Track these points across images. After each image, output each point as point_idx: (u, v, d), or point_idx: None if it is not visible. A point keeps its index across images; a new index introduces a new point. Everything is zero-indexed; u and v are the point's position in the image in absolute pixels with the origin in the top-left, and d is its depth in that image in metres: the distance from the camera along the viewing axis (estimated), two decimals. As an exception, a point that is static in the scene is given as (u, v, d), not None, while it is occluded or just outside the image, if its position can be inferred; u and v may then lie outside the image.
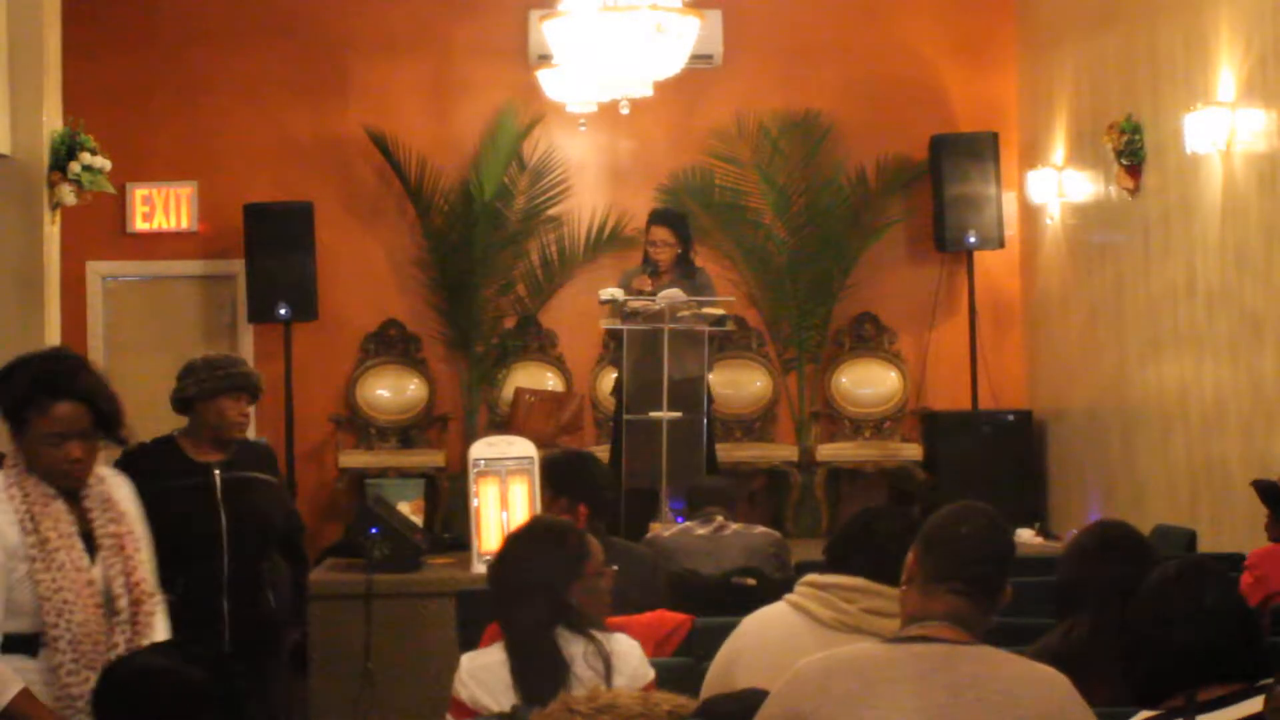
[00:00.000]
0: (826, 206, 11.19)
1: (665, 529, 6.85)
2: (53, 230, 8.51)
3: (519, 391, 10.61)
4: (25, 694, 3.87)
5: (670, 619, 4.88)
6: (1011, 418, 10.86)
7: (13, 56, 8.27)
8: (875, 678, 3.06)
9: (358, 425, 11.05)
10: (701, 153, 11.26)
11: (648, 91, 8.63)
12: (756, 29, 11.30)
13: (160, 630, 4.16)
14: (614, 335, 9.21)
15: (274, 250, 10.57)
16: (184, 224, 11.15)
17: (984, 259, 11.12)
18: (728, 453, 10.66)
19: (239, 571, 5.53)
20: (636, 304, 8.78)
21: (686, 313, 8.78)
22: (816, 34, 11.34)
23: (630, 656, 3.99)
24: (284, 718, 6.22)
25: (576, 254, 11.23)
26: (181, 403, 5.66)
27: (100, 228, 10.81)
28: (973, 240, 10.91)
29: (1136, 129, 8.93)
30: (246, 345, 10.86)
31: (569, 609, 3.99)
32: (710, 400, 9.08)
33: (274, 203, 10.74)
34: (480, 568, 8.19)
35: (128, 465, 4.94)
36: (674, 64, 7.26)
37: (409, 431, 11.03)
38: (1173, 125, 8.41)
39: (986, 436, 10.73)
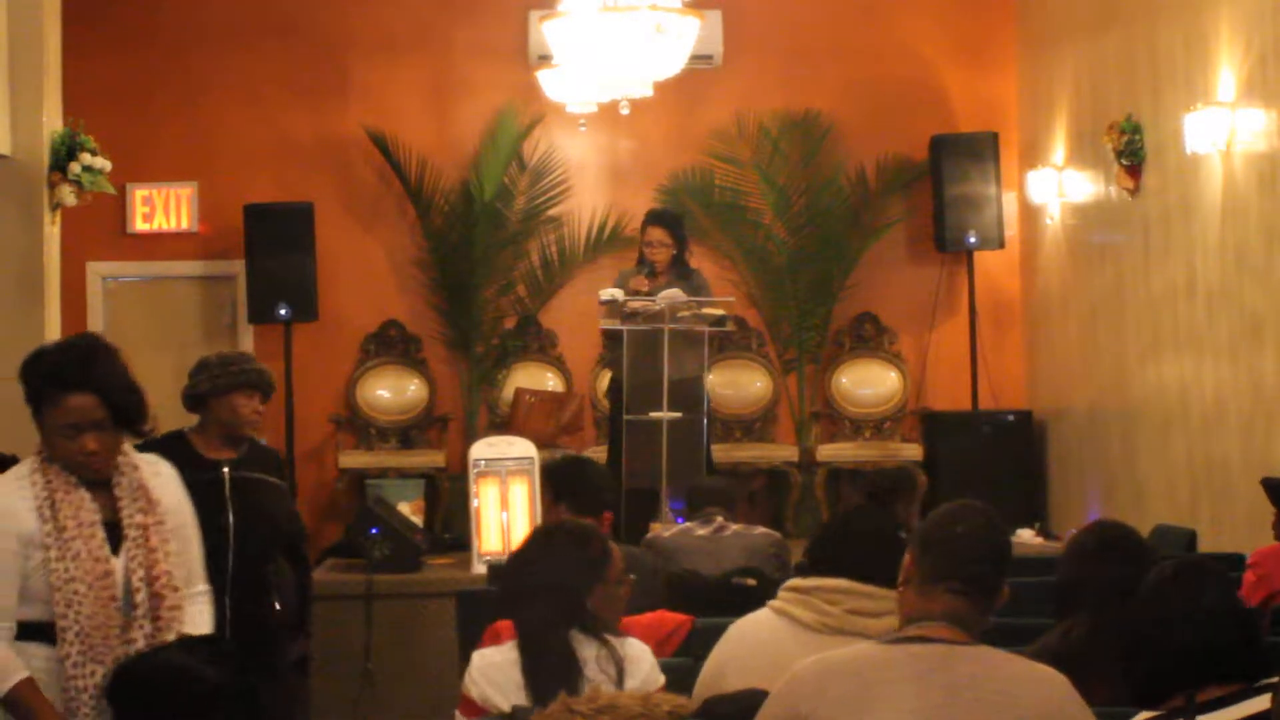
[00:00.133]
0: (826, 206, 11.19)
1: (665, 529, 6.85)
2: (53, 231, 8.51)
3: (519, 392, 10.62)
4: (28, 683, 3.84)
5: (670, 619, 4.88)
6: (1011, 418, 10.86)
7: (13, 56, 8.27)
8: (873, 679, 3.06)
9: (358, 426, 11.05)
10: (701, 153, 11.26)
11: (648, 92, 8.63)
12: (756, 29, 11.30)
13: (194, 623, 4.09)
14: (609, 336, 9.22)
15: (274, 250, 10.57)
16: (184, 224, 11.15)
17: (984, 259, 11.12)
18: (727, 453, 10.67)
19: (243, 570, 5.52)
20: (636, 304, 8.78)
21: (686, 313, 8.79)
22: (816, 34, 11.34)
23: (642, 662, 3.99)
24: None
25: (576, 254, 11.23)
26: (193, 399, 5.65)
27: (100, 228, 10.81)
28: (973, 240, 10.91)
29: (1136, 129, 8.93)
30: (247, 346, 10.85)
31: (584, 612, 3.99)
32: (708, 401, 9.09)
33: (274, 203, 10.74)
34: (480, 568, 8.20)
35: None
36: (674, 64, 7.26)
37: (409, 432, 11.03)
38: (1173, 125, 8.41)
39: (986, 437, 10.73)
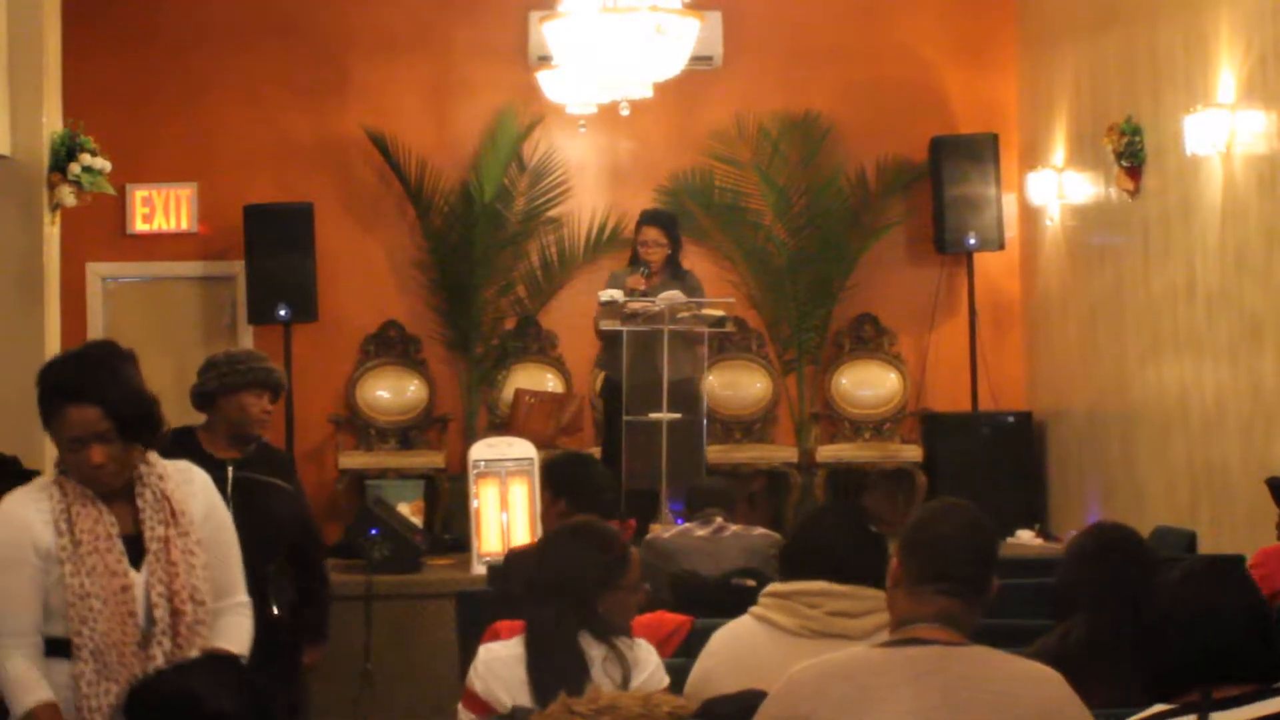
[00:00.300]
0: (826, 208, 11.19)
1: (665, 530, 6.85)
2: (53, 231, 8.51)
3: (519, 393, 10.62)
4: (48, 709, 3.75)
5: (670, 620, 4.88)
6: (1011, 419, 10.86)
7: (13, 57, 8.27)
8: (870, 682, 3.05)
9: (358, 426, 11.04)
10: (701, 154, 11.26)
11: (648, 93, 8.63)
12: (756, 30, 11.30)
13: (228, 636, 3.97)
14: (602, 336, 9.23)
15: (274, 251, 10.57)
16: (184, 225, 11.15)
17: (984, 260, 11.12)
18: (727, 454, 10.68)
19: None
20: (636, 305, 8.79)
21: (686, 314, 8.80)
22: (816, 35, 11.34)
23: (647, 665, 3.98)
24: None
25: (576, 255, 11.23)
26: (202, 397, 5.62)
27: (100, 229, 10.81)
28: (973, 242, 10.92)
29: (1136, 130, 8.93)
30: (246, 346, 10.84)
31: (594, 615, 3.98)
32: (705, 404, 9.10)
33: (274, 203, 10.74)
34: (480, 569, 8.20)
35: None
36: (674, 65, 7.26)
37: (409, 432, 11.03)
38: (1173, 127, 8.41)
39: (986, 438, 10.73)
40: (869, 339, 11.28)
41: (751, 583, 5.77)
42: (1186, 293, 8.48)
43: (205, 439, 5.59)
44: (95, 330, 10.97)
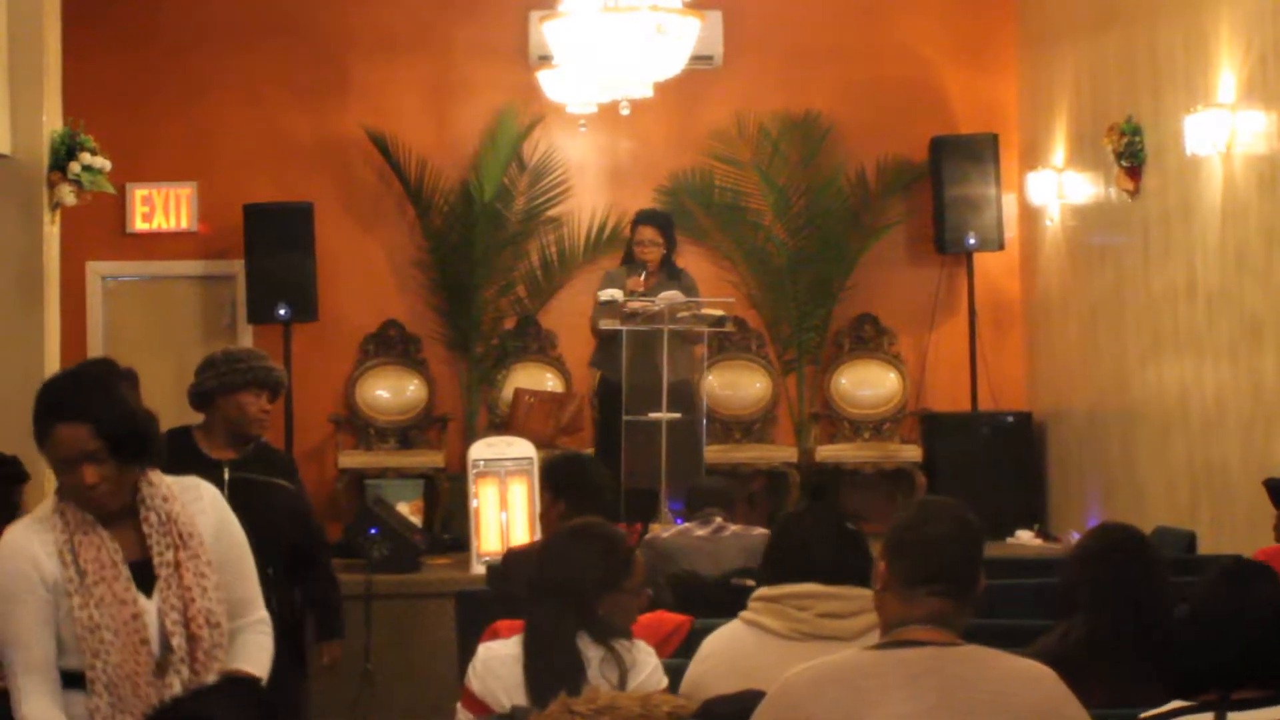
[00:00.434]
0: (826, 208, 11.18)
1: (664, 530, 6.85)
2: (53, 230, 8.51)
3: (518, 392, 10.61)
4: None
5: (669, 620, 4.87)
6: (1011, 419, 10.86)
7: (13, 56, 8.27)
8: (865, 686, 3.04)
9: (357, 426, 11.04)
10: (701, 153, 11.26)
11: (648, 92, 8.63)
12: (756, 30, 11.30)
13: (247, 656, 3.84)
14: (600, 335, 9.24)
15: (274, 251, 10.57)
16: (184, 224, 11.15)
17: (984, 260, 11.12)
18: (727, 454, 10.68)
19: None
20: (636, 305, 8.80)
21: (685, 314, 8.81)
22: (816, 35, 11.34)
23: (645, 666, 3.97)
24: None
25: (576, 255, 11.23)
26: (199, 397, 5.58)
27: (100, 228, 10.81)
28: (972, 242, 10.92)
29: (1136, 131, 8.93)
30: (245, 345, 10.84)
31: (594, 617, 3.97)
32: (705, 404, 9.11)
33: (274, 203, 10.74)
34: (479, 568, 8.20)
35: None
36: (674, 65, 7.26)
37: (408, 432, 11.03)
38: (1173, 127, 8.41)
39: (986, 438, 10.73)
40: (869, 339, 11.28)
41: (751, 583, 5.75)
42: (1187, 293, 8.48)
43: (201, 439, 5.55)
44: (95, 329, 10.98)
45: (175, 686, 3.64)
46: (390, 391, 11.10)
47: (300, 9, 11.23)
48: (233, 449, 5.56)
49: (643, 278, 9.09)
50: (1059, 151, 10.44)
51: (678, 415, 8.78)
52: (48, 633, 3.66)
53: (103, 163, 8.45)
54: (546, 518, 5.42)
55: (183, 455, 5.27)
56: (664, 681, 3.97)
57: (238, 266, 10.89)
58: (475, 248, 10.97)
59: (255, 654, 3.86)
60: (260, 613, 3.92)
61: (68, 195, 8.36)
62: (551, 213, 11.26)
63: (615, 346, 9.01)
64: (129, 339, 10.97)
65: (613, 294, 9.00)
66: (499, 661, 3.96)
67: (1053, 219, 10.58)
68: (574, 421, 10.59)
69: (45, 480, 6.58)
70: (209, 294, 11.25)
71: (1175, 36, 8.58)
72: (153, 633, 3.67)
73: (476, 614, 5.46)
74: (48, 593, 3.65)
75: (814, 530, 3.98)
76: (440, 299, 11.12)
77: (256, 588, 3.93)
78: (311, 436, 10.93)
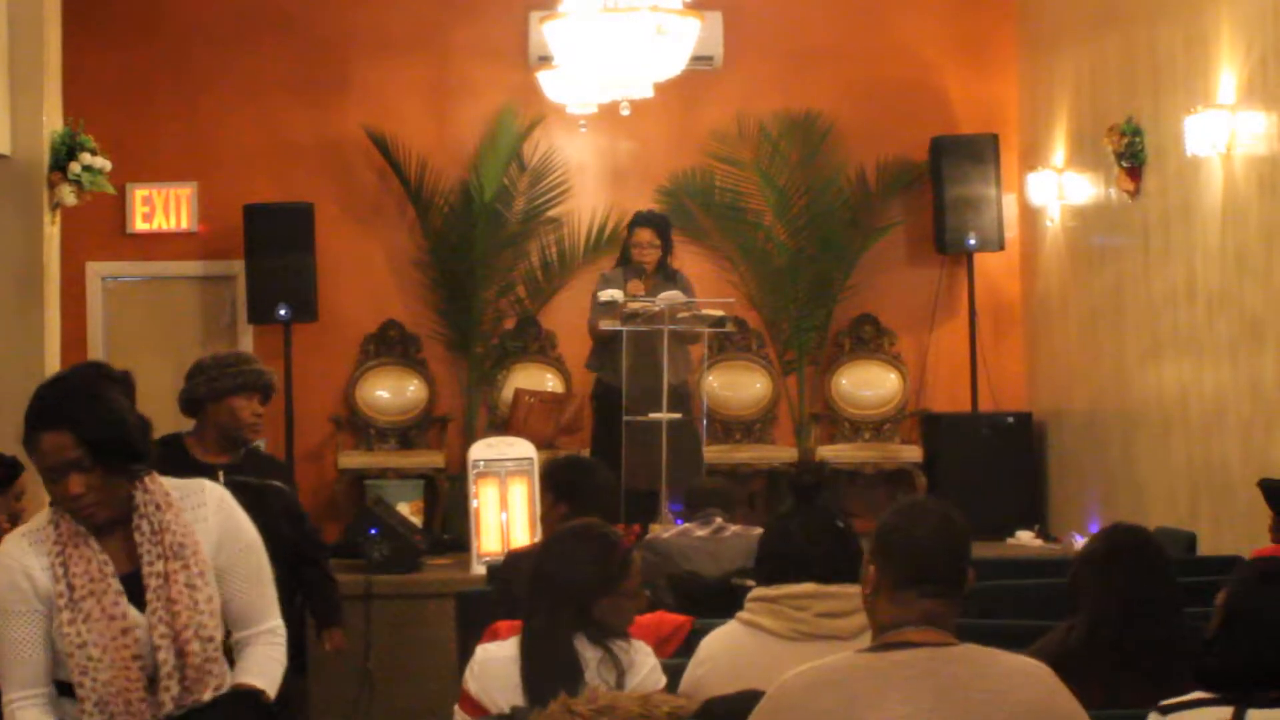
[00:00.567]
0: (827, 208, 11.18)
1: (665, 530, 6.85)
2: (53, 230, 8.51)
3: (519, 392, 10.61)
4: None
5: (670, 620, 4.87)
6: (1011, 420, 10.86)
7: (13, 56, 8.27)
8: (860, 689, 3.02)
9: (357, 426, 11.04)
10: (702, 154, 11.26)
11: (648, 93, 8.62)
12: (757, 30, 11.30)
13: (254, 666, 3.72)
14: (600, 337, 9.23)
15: (274, 251, 10.57)
16: (184, 224, 11.15)
17: (984, 261, 11.12)
18: (727, 454, 10.68)
19: None
20: (636, 305, 8.80)
21: (686, 314, 8.81)
22: (817, 35, 11.34)
23: (643, 666, 3.97)
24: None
25: (576, 255, 11.23)
26: (190, 403, 5.55)
27: (100, 228, 10.81)
28: (973, 242, 10.92)
29: (1137, 131, 8.93)
30: (246, 346, 10.84)
31: (591, 619, 3.97)
32: (705, 405, 9.10)
33: (274, 203, 10.74)
34: (480, 569, 8.20)
35: None
36: (674, 65, 7.25)
37: (409, 432, 11.03)
38: (1173, 128, 8.41)
39: (986, 438, 10.73)
40: (869, 339, 11.28)
41: (751, 583, 5.76)
42: (1187, 293, 8.48)
43: (194, 445, 5.52)
44: (95, 330, 10.97)
45: (167, 704, 3.55)
46: (390, 392, 11.10)
47: (300, 9, 11.23)
48: (226, 454, 5.53)
49: (641, 280, 9.10)
50: (1059, 152, 10.44)
51: (679, 415, 8.78)
52: (42, 646, 3.58)
53: (103, 163, 8.45)
54: (548, 520, 5.42)
55: (175, 462, 5.25)
56: (662, 681, 3.97)
57: (238, 267, 10.88)
58: (475, 248, 10.96)
59: (265, 666, 3.74)
60: (272, 621, 3.78)
61: (68, 195, 8.36)
62: (551, 213, 11.26)
63: (613, 348, 9.00)
64: (129, 339, 10.97)
65: (613, 295, 9.00)
66: (496, 663, 3.95)
67: (1053, 219, 10.58)
68: (574, 422, 10.59)
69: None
70: (209, 294, 11.25)
71: (1175, 37, 8.58)
72: (145, 648, 3.56)
73: (476, 614, 5.46)
74: (42, 605, 3.57)
75: (806, 531, 3.98)
76: (440, 299, 11.12)
77: (269, 594, 3.79)
78: (311, 437, 10.93)
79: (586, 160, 11.38)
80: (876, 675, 3.04)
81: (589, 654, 3.92)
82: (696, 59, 7.83)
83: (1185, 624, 4.31)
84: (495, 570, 5.98)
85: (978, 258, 11.04)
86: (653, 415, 8.69)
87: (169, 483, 3.70)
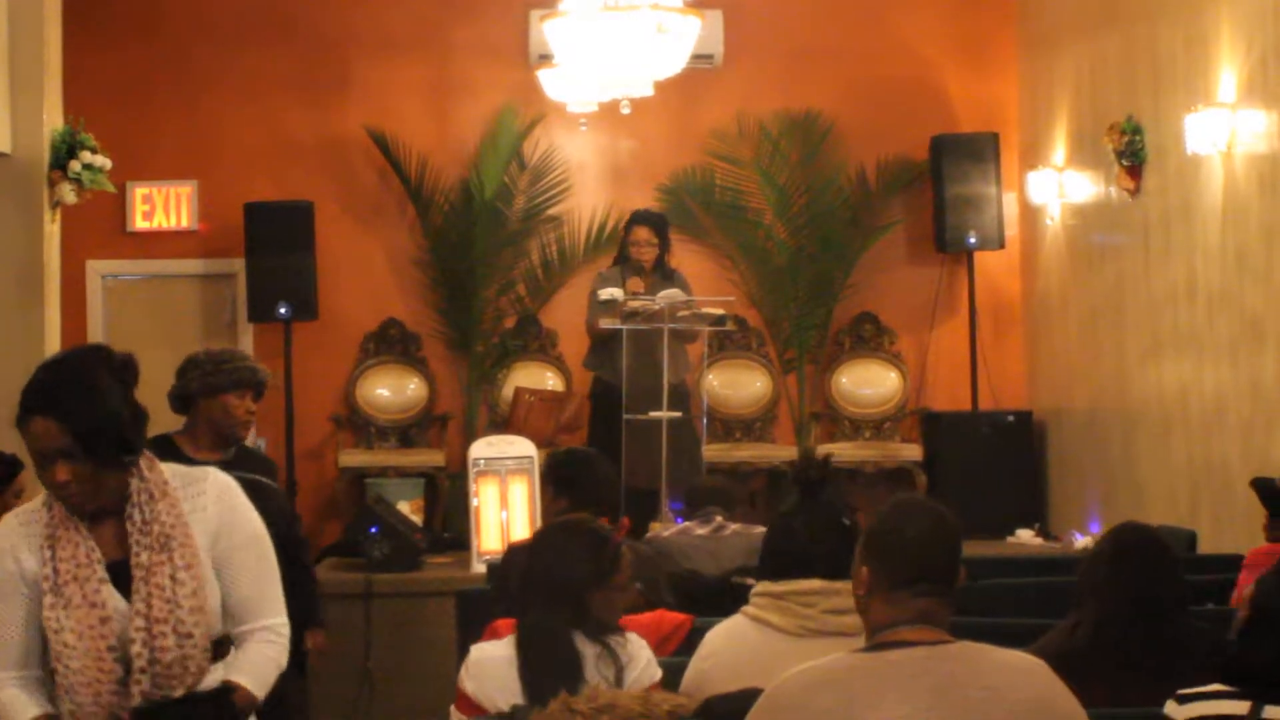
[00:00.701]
0: (827, 207, 11.18)
1: (665, 529, 6.85)
2: (53, 229, 8.51)
3: (519, 391, 10.61)
4: (46, 719, 3.51)
5: (670, 619, 4.87)
6: (1011, 418, 10.86)
7: (13, 56, 8.27)
8: (858, 689, 3.02)
9: (358, 424, 11.04)
10: (702, 153, 11.26)
11: (648, 91, 8.61)
12: (757, 29, 11.30)
13: (239, 669, 3.60)
14: (598, 335, 9.23)
15: (274, 250, 10.57)
16: (184, 223, 11.15)
17: (984, 260, 11.12)
18: (727, 453, 10.68)
19: None
20: (636, 304, 8.80)
21: (686, 312, 8.81)
22: (817, 34, 11.34)
23: (639, 660, 3.97)
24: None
25: (577, 254, 11.23)
26: (183, 399, 5.52)
27: (100, 227, 10.81)
28: (973, 241, 10.92)
29: (1137, 130, 8.93)
30: (246, 345, 10.85)
31: (587, 615, 3.96)
32: (705, 404, 9.10)
33: (274, 202, 10.74)
34: (480, 567, 8.19)
35: None
36: (675, 64, 7.26)
37: (409, 431, 11.03)
38: (1173, 126, 8.41)
39: (986, 437, 10.73)
40: (869, 338, 11.28)
41: (752, 581, 5.76)
42: (1187, 292, 8.48)
43: (185, 443, 5.47)
44: (95, 328, 10.97)
45: (135, 697, 3.48)
46: (390, 390, 11.10)
47: (301, 8, 11.23)
48: (217, 451, 5.49)
49: (641, 278, 9.11)
50: (1059, 151, 10.44)
51: (679, 414, 8.78)
52: (24, 628, 3.53)
53: (103, 161, 8.45)
54: (549, 514, 5.42)
55: (165, 461, 5.24)
56: (658, 674, 3.97)
57: (238, 265, 10.88)
58: (475, 246, 10.96)
59: (256, 664, 3.64)
60: (271, 618, 3.67)
61: (68, 194, 8.36)
62: (552, 211, 11.26)
63: (612, 347, 9.00)
64: (129, 338, 10.95)
65: (613, 293, 9.00)
66: (492, 662, 3.95)
67: (1053, 218, 10.58)
68: (574, 420, 10.59)
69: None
70: (209, 293, 11.25)
71: (1175, 36, 8.58)
72: (122, 639, 3.49)
73: (477, 613, 5.46)
74: (28, 588, 3.53)
75: (810, 529, 3.97)
76: (440, 298, 11.12)
77: (271, 590, 3.69)
78: (312, 435, 10.93)
79: (587, 159, 11.38)
80: (874, 675, 3.04)
81: (587, 650, 3.91)
82: (697, 58, 7.83)
83: (1191, 623, 4.31)
84: (495, 568, 5.99)
85: (978, 256, 11.04)
86: (652, 414, 8.69)
87: (171, 470, 3.64)
